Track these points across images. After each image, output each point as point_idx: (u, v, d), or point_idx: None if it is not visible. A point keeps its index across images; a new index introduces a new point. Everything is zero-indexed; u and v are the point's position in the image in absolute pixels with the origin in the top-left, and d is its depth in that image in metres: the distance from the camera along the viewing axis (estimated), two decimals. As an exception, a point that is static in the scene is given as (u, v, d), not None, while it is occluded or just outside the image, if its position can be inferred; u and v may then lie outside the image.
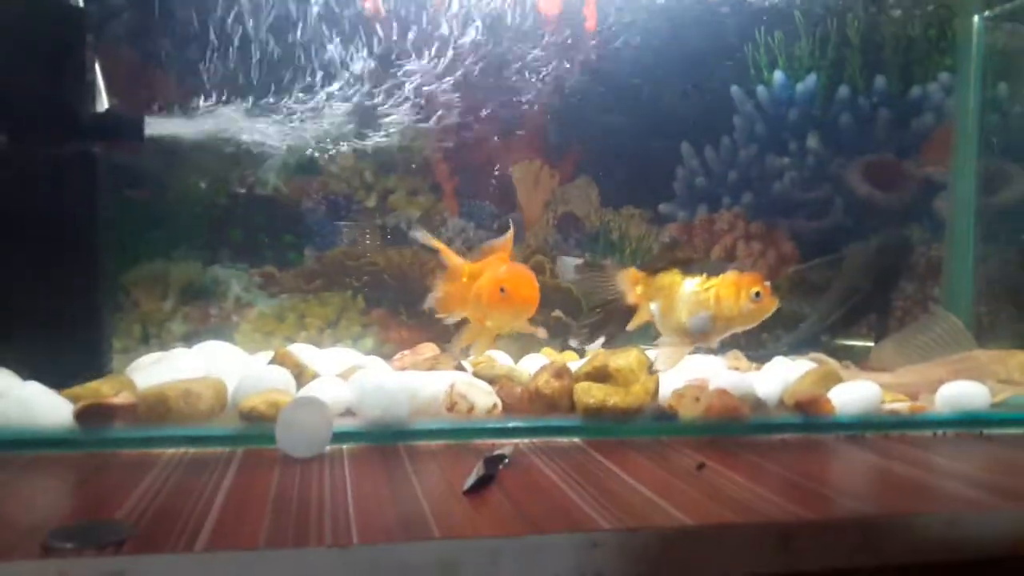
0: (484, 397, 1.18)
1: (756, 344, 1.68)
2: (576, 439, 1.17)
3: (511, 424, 1.16)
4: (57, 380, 1.14)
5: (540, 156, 1.69)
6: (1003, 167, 1.79)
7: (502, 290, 1.19)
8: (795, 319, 1.72)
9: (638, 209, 1.77)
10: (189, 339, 1.53)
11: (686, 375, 1.37)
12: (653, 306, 1.28)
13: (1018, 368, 1.44)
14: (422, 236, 1.34)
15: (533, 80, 1.62)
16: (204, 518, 0.78)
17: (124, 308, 1.52)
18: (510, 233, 1.29)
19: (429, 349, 1.45)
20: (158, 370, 1.28)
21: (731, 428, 1.21)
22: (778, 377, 1.38)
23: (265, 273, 1.58)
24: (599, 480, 0.95)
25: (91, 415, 1.07)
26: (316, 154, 1.57)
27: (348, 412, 1.20)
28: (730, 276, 1.22)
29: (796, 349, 1.64)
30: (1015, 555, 0.87)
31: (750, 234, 1.76)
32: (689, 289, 1.24)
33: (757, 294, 1.20)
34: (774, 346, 1.69)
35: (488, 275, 1.23)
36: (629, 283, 1.29)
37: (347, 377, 1.26)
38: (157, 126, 1.40)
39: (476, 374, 1.34)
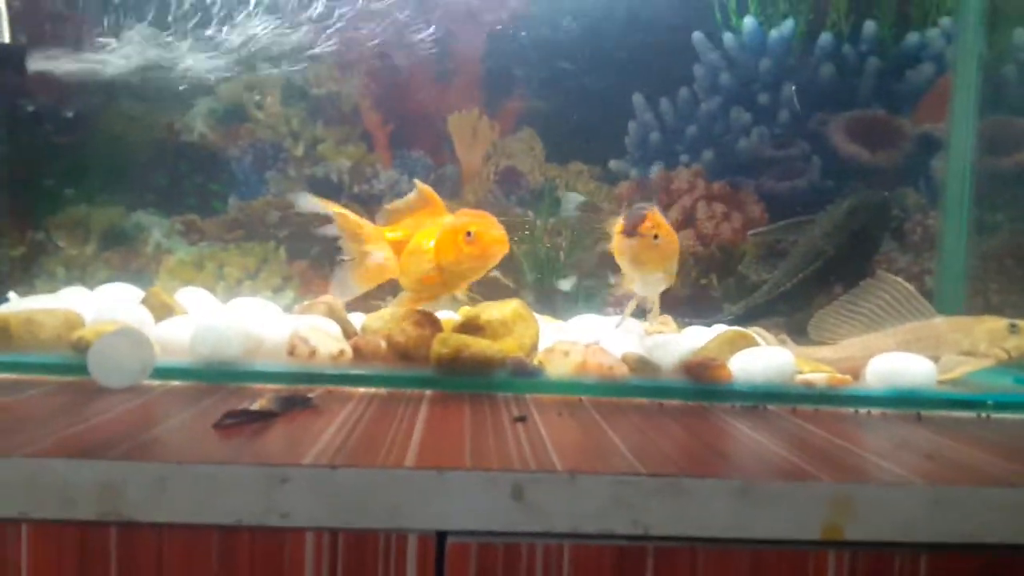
0: (329, 343, 1.11)
1: (704, 312, 1.53)
2: (427, 391, 1.09)
3: (352, 372, 1.10)
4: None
5: (479, 105, 1.60)
6: (1011, 123, 1.56)
7: (469, 234, 1.07)
8: (757, 287, 1.56)
9: (586, 165, 1.65)
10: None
11: (587, 335, 1.26)
12: None
13: (986, 336, 1.23)
14: (309, 203, 1.15)
15: (470, 21, 1.53)
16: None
17: (48, 251, 1.55)
18: (426, 188, 1.16)
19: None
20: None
21: (590, 388, 1.09)
22: (688, 342, 1.25)
23: (186, 220, 1.57)
24: (379, 429, 0.87)
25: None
26: (242, 99, 1.54)
27: (196, 352, 1.16)
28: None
29: (743, 319, 1.48)
30: (822, 540, 0.74)
31: (712, 194, 1.61)
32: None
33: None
34: (719, 316, 1.53)
35: (445, 226, 1.10)
36: None
37: (210, 319, 1.22)
38: (76, 64, 1.41)
39: (365, 326, 1.28)
